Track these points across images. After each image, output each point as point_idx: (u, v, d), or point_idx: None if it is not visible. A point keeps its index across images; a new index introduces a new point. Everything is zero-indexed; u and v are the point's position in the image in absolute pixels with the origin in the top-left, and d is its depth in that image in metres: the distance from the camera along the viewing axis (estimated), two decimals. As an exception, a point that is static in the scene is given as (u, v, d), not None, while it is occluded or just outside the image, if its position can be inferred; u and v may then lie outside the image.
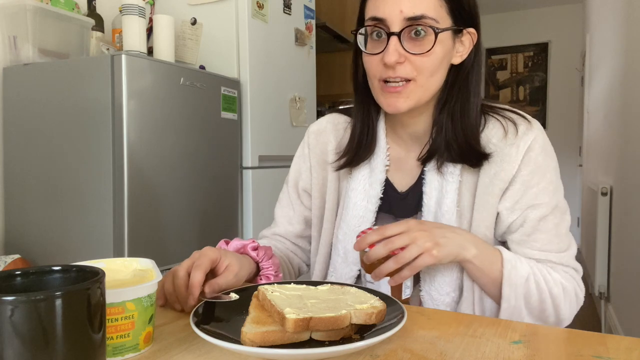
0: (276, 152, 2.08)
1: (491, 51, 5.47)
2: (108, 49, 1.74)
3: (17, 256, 1.43)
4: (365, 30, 0.76)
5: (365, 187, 0.85)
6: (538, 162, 0.76)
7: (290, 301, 0.54)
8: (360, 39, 0.78)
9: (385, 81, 0.75)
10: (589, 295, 3.27)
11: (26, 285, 0.45)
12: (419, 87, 0.74)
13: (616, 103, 2.63)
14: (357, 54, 0.83)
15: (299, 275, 0.99)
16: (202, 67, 1.95)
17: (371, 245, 0.68)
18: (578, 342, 0.55)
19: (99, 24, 1.80)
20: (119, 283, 0.57)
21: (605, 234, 2.68)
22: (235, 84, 1.87)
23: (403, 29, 0.71)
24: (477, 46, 0.78)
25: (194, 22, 1.98)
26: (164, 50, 1.71)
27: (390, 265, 0.67)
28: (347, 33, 2.98)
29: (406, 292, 0.72)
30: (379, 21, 0.72)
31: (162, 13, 1.88)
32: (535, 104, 5.33)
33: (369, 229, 0.73)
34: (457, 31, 0.75)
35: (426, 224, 0.71)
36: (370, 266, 0.70)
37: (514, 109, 0.82)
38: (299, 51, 2.27)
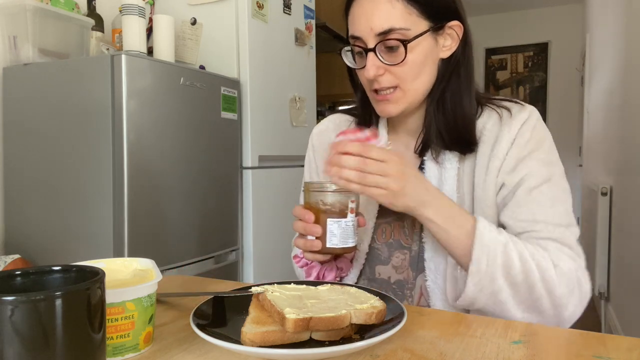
0: (276, 152, 2.08)
1: (491, 51, 5.47)
2: (108, 49, 1.74)
3: (17, 256, 1.43)
4: (351, 47, 0.79)
5: None
6: (532, 135, 0.76)
7: (290, 301, 0.54)
8: (349, 55, 0.81)
9: (376, 90, 0.78)
10: (589, 295, 3.25)
11: (26, 285, 0.45)
12: (405, 92, 0.77)
13: (616, 103, 2.63)
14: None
15: None
16: (202, 67, 1.95)
17: (346, 153, 0.66)
18: (578, 342, 0.55)
19: (99, 24, 1.80)
20: (119, 283, 0.57)
21: (605, 234, 2.68)
22: (235, 84, 1.87)
23: (378, 43, 0.73)
24: (464, 37, 0.79)
25: (194, 22, 1.98)
26: (164, 50, 1.71)
27: (351, 174, 0.65)
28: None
29: (332, 241, 0.67)
30: (357, 39, 0.76)
31: (162, 13, 1.87)
32: (535, 104, 5.26)
33: (358, 130, 0.70)
34: (437, 28, 0.76)
35: (407, 169, 0.68)
36: (330, 164, 0.67)
37: (511, 98, 0.83)
38: (299, 51, 2.27)
